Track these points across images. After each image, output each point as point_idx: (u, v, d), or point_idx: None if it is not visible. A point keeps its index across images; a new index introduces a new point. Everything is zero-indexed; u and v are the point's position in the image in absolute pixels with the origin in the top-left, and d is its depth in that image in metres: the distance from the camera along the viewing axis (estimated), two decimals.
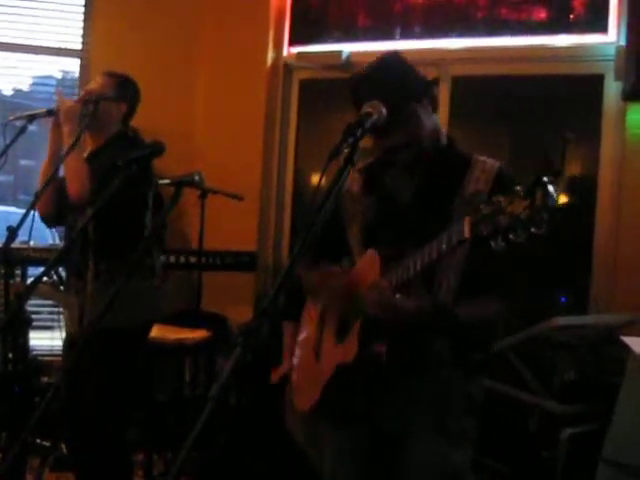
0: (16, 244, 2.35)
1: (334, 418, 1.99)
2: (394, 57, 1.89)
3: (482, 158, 1.88)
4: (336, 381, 1.86)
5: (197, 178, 2.24)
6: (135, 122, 3.05)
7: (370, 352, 1.78)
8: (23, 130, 2.53)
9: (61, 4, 4.57)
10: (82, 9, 4.55)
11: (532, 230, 1.39)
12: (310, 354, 1.99)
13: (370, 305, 1.73)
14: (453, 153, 1.92)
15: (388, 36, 4.20)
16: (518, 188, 1.40)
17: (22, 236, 2.27)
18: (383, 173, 1.96)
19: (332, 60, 4.25)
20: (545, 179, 1.37)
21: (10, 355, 3.15)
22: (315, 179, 4.43)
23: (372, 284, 1.74)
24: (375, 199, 1.96)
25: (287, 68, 4.45)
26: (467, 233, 1.48)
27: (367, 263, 1.85)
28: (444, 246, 1.57)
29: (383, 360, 1.76)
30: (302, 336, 2.07)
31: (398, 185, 1.92)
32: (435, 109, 1.89)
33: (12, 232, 2.19)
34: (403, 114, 1.79)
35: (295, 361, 2.08)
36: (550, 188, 1.36)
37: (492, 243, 1.43)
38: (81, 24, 4.55)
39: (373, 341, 1.78)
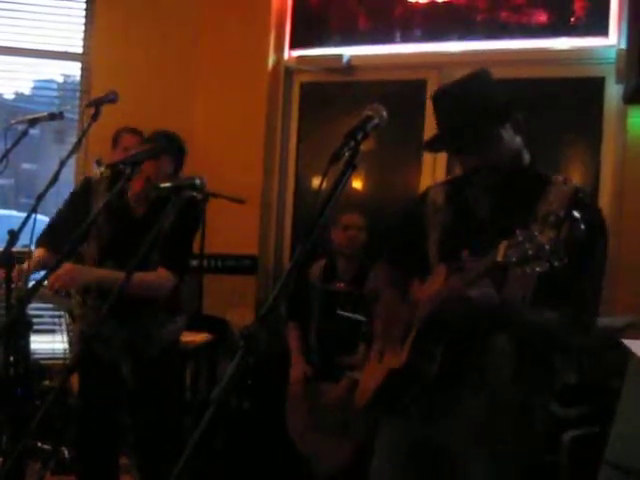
0: (17, 248, 2.34)
1: (386, 414, 2.05)
2: (479, 79, 1.89)
3: (561, 178, 1.88)
4: (387, 385, 1.91)
5: (198, 182, 2.24)
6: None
7: (419, 361, 1.82)
8: (24, 134, 2.53)
9: (63, 8, 4.58)
10: (83, 13, 4.56)
11: (555, 263, 1.41)
12: (376, 355, 2.03)
13: (441, 300, 1.75)
14: (532, 174, 1.90)
15: (389, 39, 4.21)
16: (552, 218, 1.42)
17: (23, 240, 2.27)
18: (465, 188, 1.97)
19: (333, 63, 4.26)
20: (575, 213, 1.39)
21: (11, 358, 3.15)
22: (316, 182, 4.43)
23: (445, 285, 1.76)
24: (454, 213, 1.97)
25: (288, 71, 4.46)
26: (500, 257, 1.51)
27: (436, 276, 1.87)
28: (483, 268, 1.62)
29: (433, 370, 1.80)
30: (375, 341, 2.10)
31: (477, 202, 1.93)
32: (519, 130, 1.89)
33: (13, 236, 2.19)
34: (484, 138, 1.81)
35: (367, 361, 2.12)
36: (578, 223, 1.39)
37: (527, 269, 1.46)
38: (82, 28, 4.57)
39: (427, 349, 1.81)
